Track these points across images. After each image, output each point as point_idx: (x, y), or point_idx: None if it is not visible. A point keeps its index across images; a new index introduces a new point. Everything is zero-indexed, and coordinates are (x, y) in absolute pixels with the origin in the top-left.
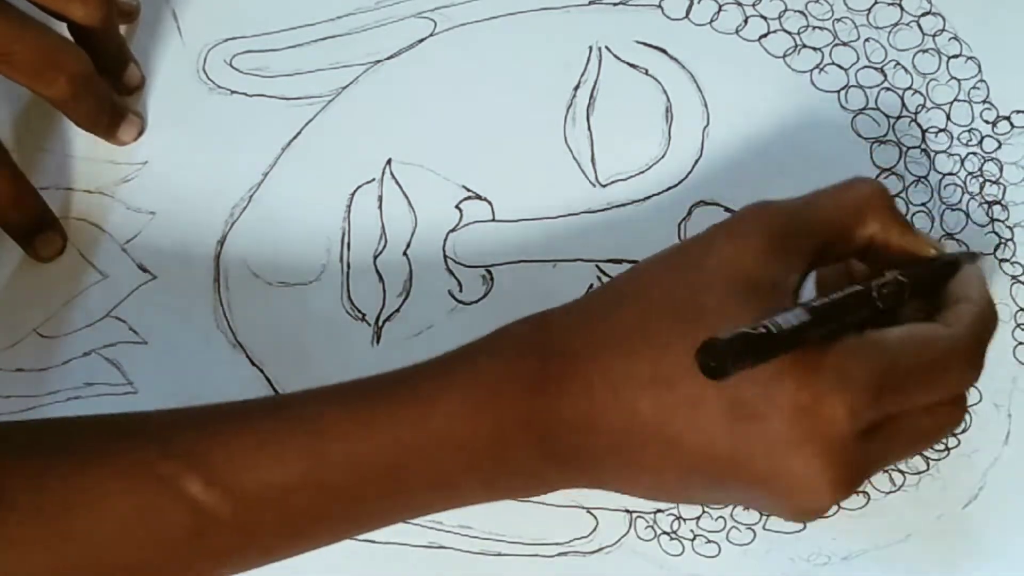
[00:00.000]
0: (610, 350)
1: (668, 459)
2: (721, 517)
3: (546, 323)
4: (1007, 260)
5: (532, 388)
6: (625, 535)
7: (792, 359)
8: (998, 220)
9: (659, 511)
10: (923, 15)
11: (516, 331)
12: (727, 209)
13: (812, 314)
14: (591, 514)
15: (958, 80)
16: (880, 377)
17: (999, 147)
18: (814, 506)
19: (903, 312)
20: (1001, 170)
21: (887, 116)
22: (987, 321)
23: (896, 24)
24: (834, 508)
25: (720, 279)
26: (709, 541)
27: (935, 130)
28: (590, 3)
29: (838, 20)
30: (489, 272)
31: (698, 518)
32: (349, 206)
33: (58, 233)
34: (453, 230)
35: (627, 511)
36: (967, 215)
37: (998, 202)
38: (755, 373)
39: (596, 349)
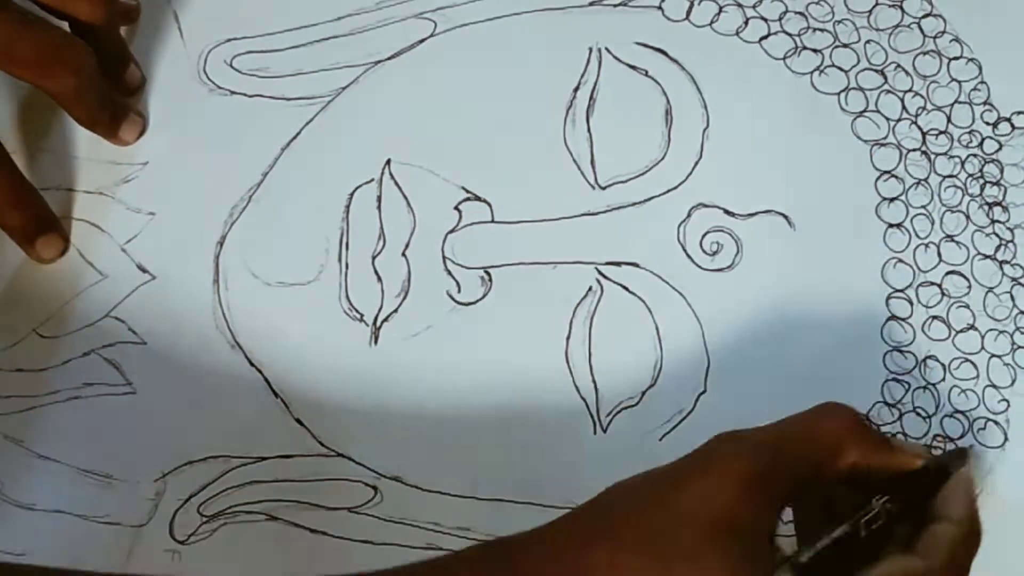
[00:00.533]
0: None
1: None
2: None
3: (515, 563)
4: (1007, 262)
5: None
6: None
7: None
8: (998, 222)
9: None
10: (924, 17)
11: (482, 564)
12: (727, 212)
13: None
14: None
15: (959, 82)
16: None
17: (999, 149)
18: None
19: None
20: (1002, 171)
21: (887, 118)
22: (967, 545)
23: (897, 26)
24: None
25: (693, 519)
26: None
27: (935, 132)
28: (590, 4)
29: (839, 22)
30: (488, 273)
31: None
32: (348, 206)
33: (59, 235)
34: (452, 231)
35: None
36: (967, 217)
37: (999, 203)
38: None
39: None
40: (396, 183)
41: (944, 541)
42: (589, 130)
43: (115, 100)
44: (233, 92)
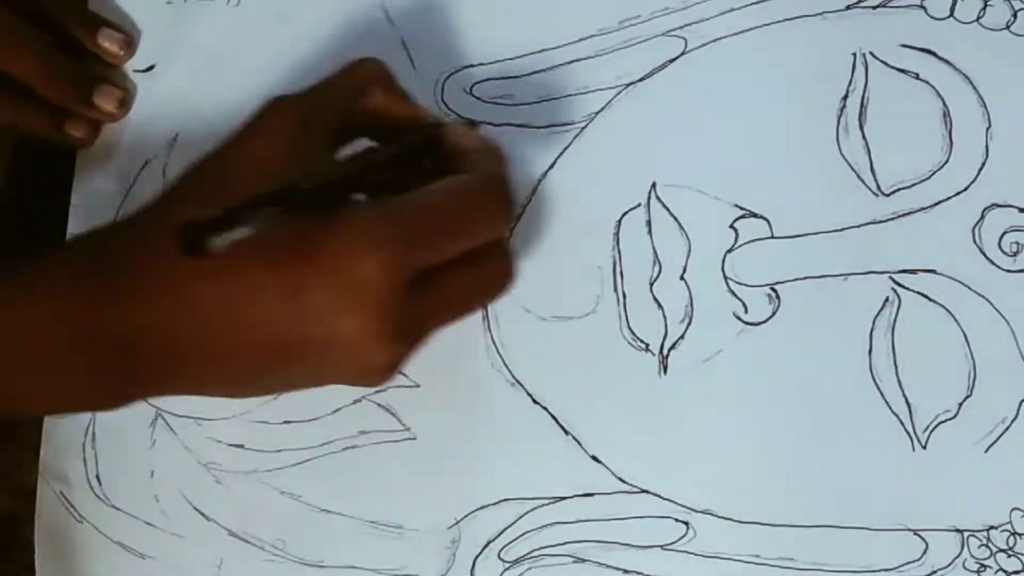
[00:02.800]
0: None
1: (232, 348)
2: None
3: (104, 242)
4: None
5: (95, 300)
6: (958, 556)
7: (321, 227)
8: None
9: (992, 527)
10: None
11: (78, 248)
12: (1022, 210)
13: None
14: (919, 536)
15: None
16: (406, 230)
17: None
18: (368, 363)
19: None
20: None
21: None
22: (495, 157)
23: None
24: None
25: (253, 175)
26: None
27: None
28: (847, 8)
29: None
30: (775, 290)
31: None
32: (617, 234)
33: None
34: (730, 250)
35: (957, 530)
36: None
37: None
38: (296, 243)
39: (152, 256)
40: (664, 206)
41: (474, 160)
42: (864, 137)
43: (83, 70)
44: (478, 122)
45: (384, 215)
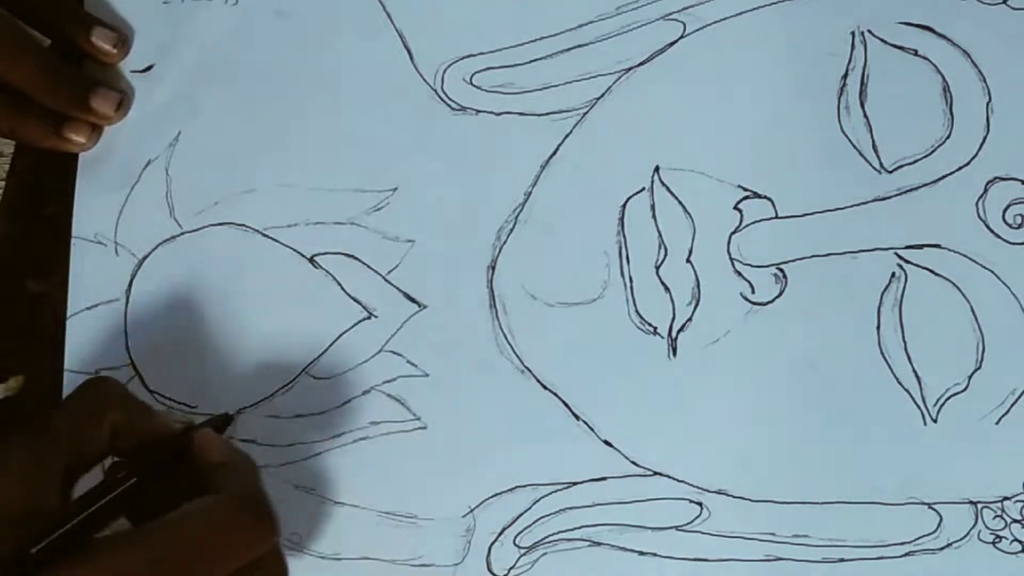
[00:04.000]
0: None
1: None
2: None
3: None
4: None
5: None
6: (973, 527)
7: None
8: None
9: (1006, 499)
10: None
11: None
12: None
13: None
14: (933, 509)
15: None
16: (152, 568)
17: None
18: None
19: (177, 495)
20: None
21: None
22: (244, 468)
23: None
24: None
25: None
26: None
27: None
28: None
29: None
30: (781, 270)
31: None
32: (622, 218)
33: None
34: (736, 231)
35: (971, 503)
36: None
37: None
38: None
39: None
40: (668, 189)
41: (222, 477)
42: (865, 115)
43: (80, 73)
44: (479, 111)
45: (125, 554)
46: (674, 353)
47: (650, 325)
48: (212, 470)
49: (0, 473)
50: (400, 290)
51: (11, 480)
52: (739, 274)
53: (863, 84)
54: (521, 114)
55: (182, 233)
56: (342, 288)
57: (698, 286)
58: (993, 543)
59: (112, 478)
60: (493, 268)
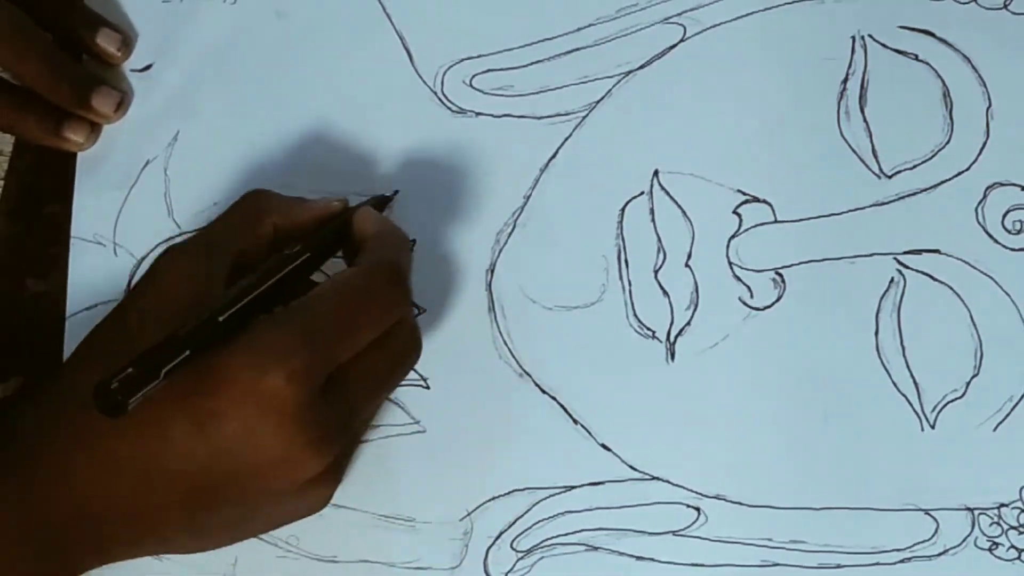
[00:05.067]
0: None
1: (163, 501)
2: None
3: (13, 425)
4: None
5: (17, 483)
6: (969, 534)
7: (222, 352)
8: None
9: (1003, 505)
10: None
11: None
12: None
13: (213, 314)
14: (930, 515)
15: None
16: (305, 335)
17: None
18: (302, 475)
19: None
20: None
21: None
22: (391, 240)
23: None
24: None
25: (152, 328)
26: None
27: None
28: None
29: None
30: (780, 275)
31: None
32: (620, 222)
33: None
34: (734, 235)
35: (968, 509)
36: None
37: None
38: (201, 375)
39: (66, 427)
40: (668, 193)
41: (373, 247)
42: (865, 120)
43: (82, 71)
44: (479, 113)
45: (280, 327)
46: (672, 357)
47: (648, 329)
48: (362, 242)
49: (161, 286)
50: None
51: (172, 292)
52: (738, 278)
53: (863, 88)
54: (521, 117)
55: (181, 233)
56: None
57: (697, 290)
58: (990, 550)
59: (282, 256)
60: (492, 271)
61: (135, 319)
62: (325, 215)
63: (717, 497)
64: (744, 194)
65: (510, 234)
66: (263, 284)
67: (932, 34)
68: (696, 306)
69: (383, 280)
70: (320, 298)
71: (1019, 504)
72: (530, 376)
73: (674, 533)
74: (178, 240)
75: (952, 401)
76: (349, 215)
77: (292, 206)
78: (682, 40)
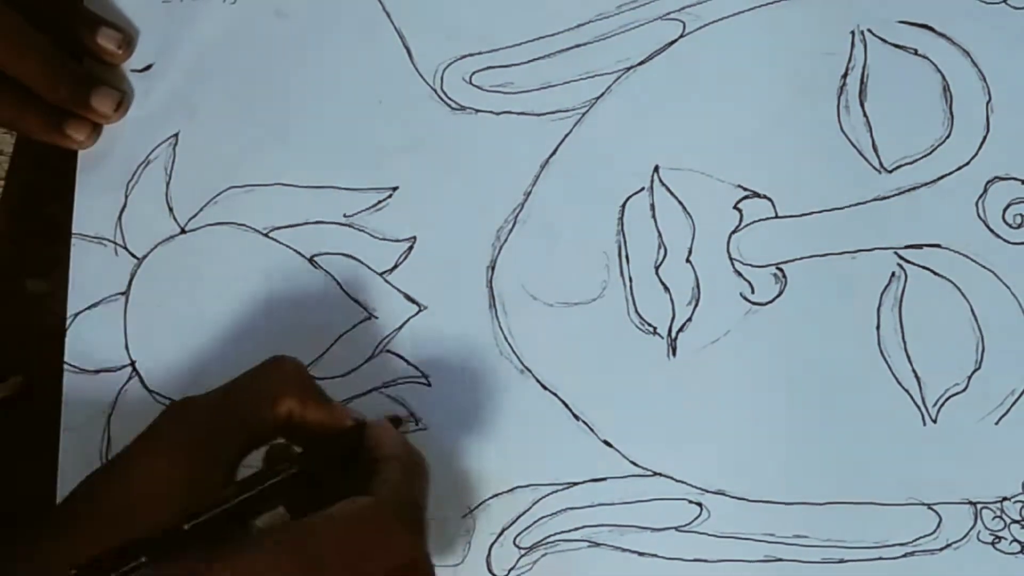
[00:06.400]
0: None
1: None
2: None
3: None
4: None
5: None
6: (972, 528)
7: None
8: None
9: (1005, 499)
10: None
11: None
12: None
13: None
14: (932, 510)
15: None
16: (307, 566)
17: None
18: None
19: (340, 485)
20: None
21: None
22: (411, 469)
23: None
24: None
25: (146, 497)
26: None
27: None
28: None
29: None
30: (781, 270)
31: None
32: (621, 218)
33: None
34: (735, 231)
35: (970, 503)
36: None
37: None
38: None
39: None
40: (668, 189)
41: (390, 476)
42: (865, 114)
43: (81, 71)
44: (478, 110)
45: (283, 550)
46: (674, 353)
47: (650, 325)
48: (377, 464)
49: (166, 445)
50: (400, 290)
51: (181, 451)
52: (739, 274)
53: (863, 83)
54: (521, 113)
55: (181, 233)
56: (342, 288)
57: (698, 286)
58: (992, 544)
59: (275, 465)
60: (493, 268)
61: (126, 482)
62: (337, 426)
63: (719, 493)
64: (745, 189)
65: (510, 231)
66: (241, 495)
67: (932, 28)
68: (697, 302)
69: (397, 518)
70: (325, 526)
71: (1021, 498)
72: (531, 373)
73: (676, 529)
74: (191, 398)
75: (954, 395)
76: (360, 435)
77: (312, 399)
78: (682, 36)
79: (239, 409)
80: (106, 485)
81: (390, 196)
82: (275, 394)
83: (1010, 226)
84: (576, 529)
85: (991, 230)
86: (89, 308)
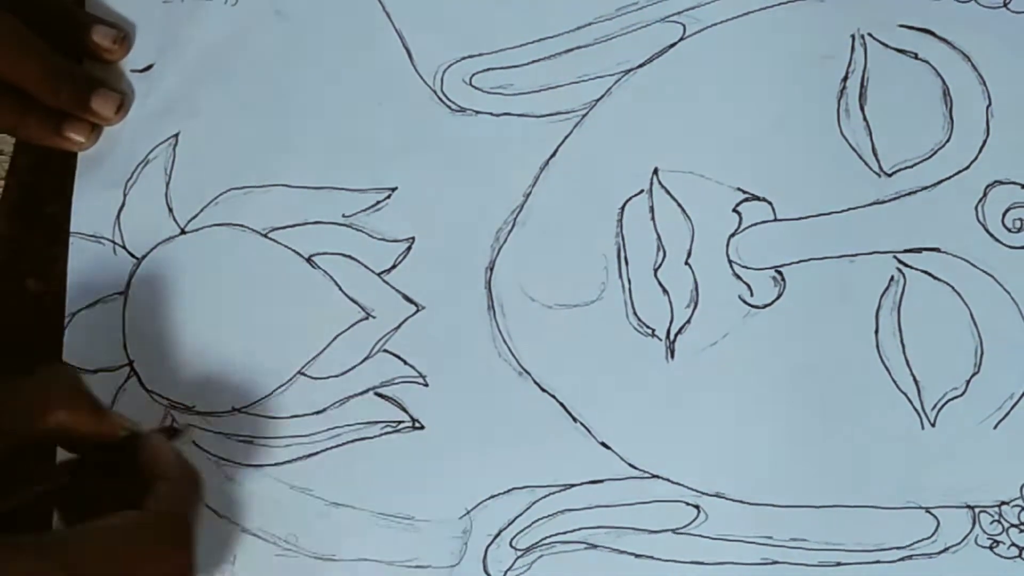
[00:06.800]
0: None
1: None
2: None
3: None
4: None
5: None
6: (970, 532)
7: None
8: None
9: (1004, 503)
10: None
11: None
12: None
13: None
14: (930, 513)
15: None
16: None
17: None
18: None
19: (116, 497)
20: None
21: None
22: (185, 484)
23: None
24: None
25: None
26: None
27: None
28: None
29: None
30: (780, 273)
31: None
32: (620, 220)
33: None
34: (734, 234)
35: (968, 507)
36: None
37: None
38: None
39: None
40: (667, 191)
41: (164, 495)
42: (865, 118)
43: (81, 74)
44: (478, 112)
45: (42, 560)
46: (672, 355)
47: (648, 327)
48: (153, 480)
49: None
50: (398, 291)
51: None
52: (738, 277)
53: (863, 87)
54: (520, 115)
55: (181, 233)
56: (340, 288)
57: (696, 288)
58: (990, 548)
59: (45, 476)
60: (491, 269)
61: None
62: (110, 436)
63: (717, 495)
64: (744, 192)
65: (510, 232)
66: (7, 503)
67: (932, 33)
68: (696, 304)
69: (166, 533)
70: (91, 536)
71: (1020, 502)
72: (529, 374)
73: (674, 531)
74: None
75: (952, 399)
76: (135, 446)
77: (81, 412)
78: (682, 38)
79: (3, 417)
80: None
81: (389, 197)
82: (44, 403)
83: (1009, 230)
84: (573, 531)
85: (990, 234)
86: (88, 307)
